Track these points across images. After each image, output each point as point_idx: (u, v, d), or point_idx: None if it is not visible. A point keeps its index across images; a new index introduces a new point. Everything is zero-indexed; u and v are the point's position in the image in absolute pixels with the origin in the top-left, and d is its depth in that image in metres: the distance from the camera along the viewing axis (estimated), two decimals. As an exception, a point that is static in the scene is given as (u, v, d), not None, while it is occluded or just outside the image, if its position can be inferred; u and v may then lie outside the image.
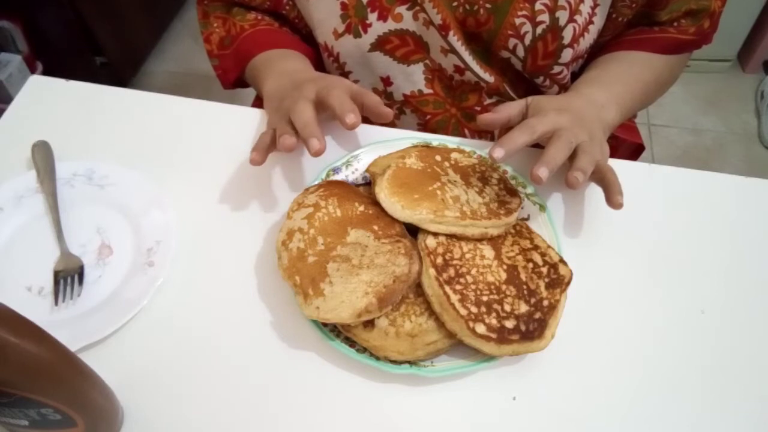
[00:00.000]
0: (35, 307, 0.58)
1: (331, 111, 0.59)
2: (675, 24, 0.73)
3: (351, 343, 0.54)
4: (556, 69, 0.71)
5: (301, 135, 0.58)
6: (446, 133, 0.79)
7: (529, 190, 0.64)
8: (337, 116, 0.58)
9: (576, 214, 0.64)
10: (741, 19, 1.78)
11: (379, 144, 0.66)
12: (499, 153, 0.56)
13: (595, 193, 0.65)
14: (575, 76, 0.76)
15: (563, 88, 0.75)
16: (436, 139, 0.68)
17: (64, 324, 0.56)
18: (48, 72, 1.72)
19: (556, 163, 0.56)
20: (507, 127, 0.80)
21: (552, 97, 0.66)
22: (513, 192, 0.61)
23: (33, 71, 1.69)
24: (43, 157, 0.67)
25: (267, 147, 0.60)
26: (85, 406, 0.46)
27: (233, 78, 0.78)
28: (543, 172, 0.55)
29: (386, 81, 0.75)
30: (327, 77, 0.66)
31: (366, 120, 0.67)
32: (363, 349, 0.53)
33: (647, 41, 0.73)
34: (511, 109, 0.64)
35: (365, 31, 0.70)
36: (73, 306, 0.58)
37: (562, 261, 0.56)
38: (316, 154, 0.56)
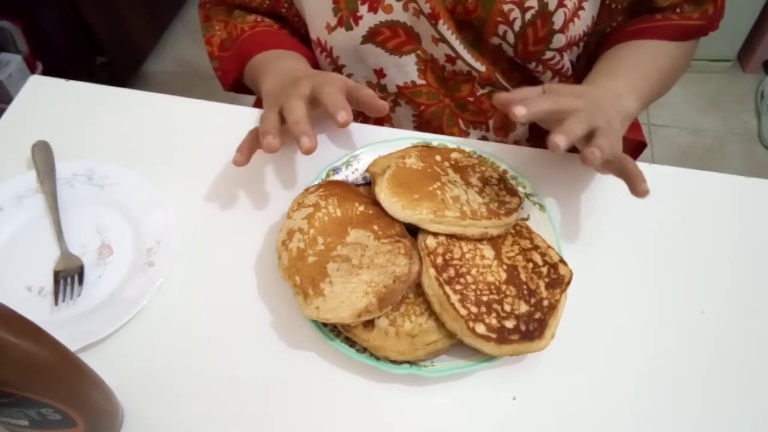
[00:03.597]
0: (35, 307, 0.58)
1: (324, 108, 0.59)
2: (677, 10, 0.72)
3: (351, 343, 0.53)
4: (549, 54, 0.71)
5: (291, 132, 0.57)
6: (440, 124, 0.79)
7: (529, 190, 0.64)
8: (329, 113, 0.58)
9: (576, 214, 0.64)
10: (741, 19, 1.77)
11: (379, 144, 0.66)
12: (521, 111, 0.54)
13: (595, 193, 0.65)
14: (574, 66, 0.76)
15: (558, 74, 0.75)
16: (436, 139, 0.68)
17: (64, 324, 0.56)
18: (48, 72, 1.72)
19: (575, 134, 0.54)
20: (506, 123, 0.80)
21: (569, 86, 0.65)
22: (513, 192, 0.61)
23: (33, 71, 1.69)
24: (43, 157, 0.67)
25: (250, 147, 0.60)
26: (85, 406, 0.46)
27: (232, 79, 0.78)
28: (561, 140, 0.52)
29: (379, 73, 0.76)
30: (323, 73, 0.66)
31: (364, 117, 0.67)
32: (363, 349, 0.53)
33: (653, 29, 0.73)
34: (529, 93, 0.61)
35: (356, 24, 0.70)
36: (73, 306, 0.58)
37: (562, 261, 0.56)
38: (307, 152, 0.56)
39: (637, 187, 0.56)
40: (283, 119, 0.60)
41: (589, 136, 0.56)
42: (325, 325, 0.54)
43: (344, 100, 0.59)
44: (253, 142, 0.60)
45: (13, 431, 0.45)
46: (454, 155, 0.63)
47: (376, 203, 0.58)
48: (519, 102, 0.58)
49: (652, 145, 1.80)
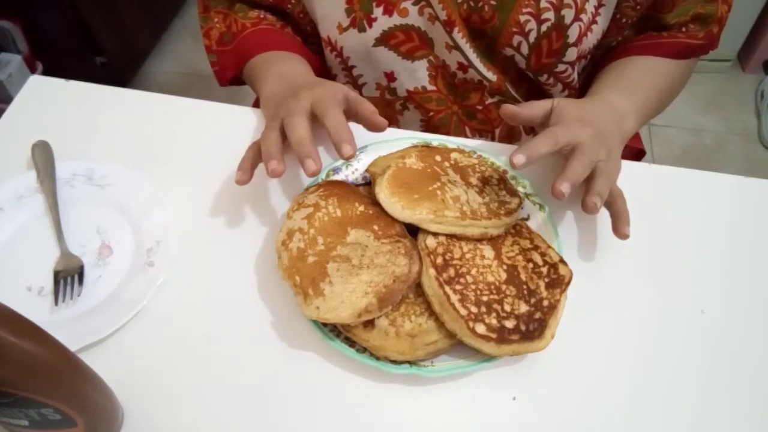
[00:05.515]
0: (35, 307, 0.58)
1: (326, 132, 0.58)
2: (683, 29, 0.73)
3: (351, 343, 0.53)
4: (561, 67, 0.71)
5: (296, 153, 0.56)
6: (447, 131, 0.79)
7: (529, 190, 0.64)
8: (333, 143, 0.56)
9: (576, 214, 0.64)
10: (741, 19, 1.78)
11: (379, 144, 0.66)
12: (520, 159, 0.54)
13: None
14: (579, 77, 0.76)
15: (568, 87, 0.75)
16: (436, 139, 0.68)
17: (64, 324, 0.56)
18: (48, 72, 1.72)
19: (578, 178, 0.55)
20: (508, 127, 0.80)
21: (576, 103, 0.65)
22: (513, 192, 0.61)
23: (33, 71, 1.69)
24: (43, 157, 0.67)
25: (252, 164, 0.59)
26: (85, 406, 0.46)
27: (231, 76, 0.78)
28: (565, 187, 0.54)
29: (390, 76, 0.75)
30: (324, 83, 0.64)
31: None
32: (363, 349, 0.53)
33: (657, 46, 0.73)
34: (537, 110, 0.62)
35: (370, 26, 0.70)
36: (73, 306, 0.58)
37: (562, 261, 0.56)
38: (312, 175, 0.55)
39: (619, 228, 0.59)
40: (284, 135, 0.58)
41: (590, 173, 0.57)
42: (325, 325, 0.54)
43: (348, 130, 0.57)
44: (254, 159, 0.59)
45: (13, 431, 0.45)
46: (454, 155, 0.63)
47: (376, 203, 0.58)
48: (525, 117, 0.62)
49: (652, 145, 1.80)
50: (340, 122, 0.57)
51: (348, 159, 0.56)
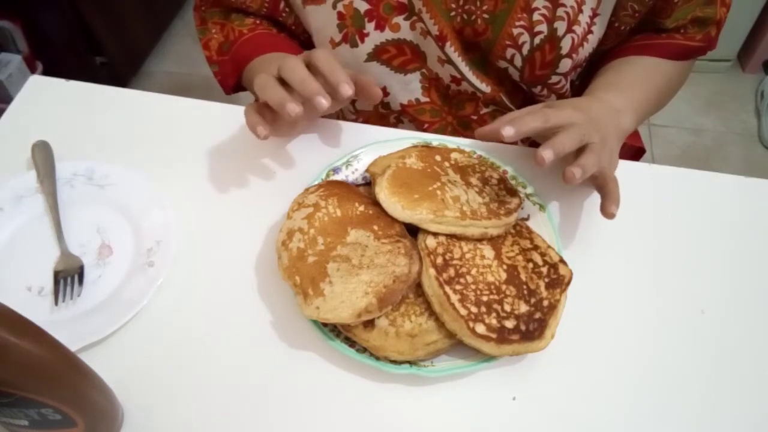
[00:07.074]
0: (35, 307, 0.58)
1: (320, 75, 0.56)
2: (681, 31, 0.72)
3: (351, 343, 0.54)
4: (554, 79, 0.71)
5: (301, 93, 0.55)
6: None
7: (529, 190, 0.64)
8: (330, 83, 0.55)
9: (576, 214, 0.64)
10: (741, 19, 1.78)
11: (379, 144, 0.66)
12: (509, 131, 0.54)
13: (594, 193, 0.65)
14: (573, 84, 0.76)
15: (561, 98, 0.75)
16: (436, 139, 0.68)
17: (64, 324, 0.56)
18: (48, 72, 1.72)
19: (563, 149, 0.54)
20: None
21: (570, 99, 0.65)
22: (513, 192, 0.61)
23: (33, 71, 1.69)
24: (43, 157, 0.67)
25: (260, 119, 0.58)
26: (85, 406, 0.46)
27: (233, 82, 0.78)
28: (548, 153, 0.53)
29: (383, 91, 0.75)
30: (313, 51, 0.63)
31: (365, 118, 0.67)
32: (363, 349, 0.53)
33: (655, 47, 0.73)
34: (513, 117, 0.61)
35: (362, 41, 0.70)
36: (73, 306, 0.58)
37: (562, 261, 0.56)
38: (324, 111, 0.55)
39: (607, 207, 0.57)
40: (283, 84, 0.57)
41: (579, 152, 0.57)
42: (325, 325, 0.54)
43: (343, 71, 0.56)
44: (260, 114, 0.58)
45: (13, 431, 0.45)
46: (454, 155, 0.63)
47: (376, 203, 0.58)
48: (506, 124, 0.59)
49: (652, 145, 1.80)
50: (335, 64, 0.56)
51: (346, 99, 0.56)
